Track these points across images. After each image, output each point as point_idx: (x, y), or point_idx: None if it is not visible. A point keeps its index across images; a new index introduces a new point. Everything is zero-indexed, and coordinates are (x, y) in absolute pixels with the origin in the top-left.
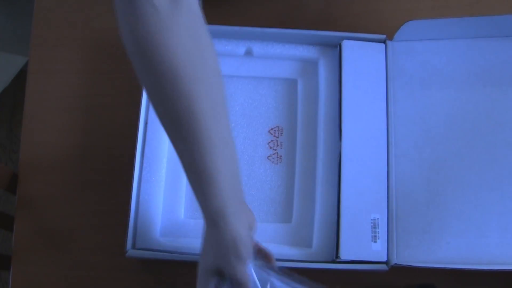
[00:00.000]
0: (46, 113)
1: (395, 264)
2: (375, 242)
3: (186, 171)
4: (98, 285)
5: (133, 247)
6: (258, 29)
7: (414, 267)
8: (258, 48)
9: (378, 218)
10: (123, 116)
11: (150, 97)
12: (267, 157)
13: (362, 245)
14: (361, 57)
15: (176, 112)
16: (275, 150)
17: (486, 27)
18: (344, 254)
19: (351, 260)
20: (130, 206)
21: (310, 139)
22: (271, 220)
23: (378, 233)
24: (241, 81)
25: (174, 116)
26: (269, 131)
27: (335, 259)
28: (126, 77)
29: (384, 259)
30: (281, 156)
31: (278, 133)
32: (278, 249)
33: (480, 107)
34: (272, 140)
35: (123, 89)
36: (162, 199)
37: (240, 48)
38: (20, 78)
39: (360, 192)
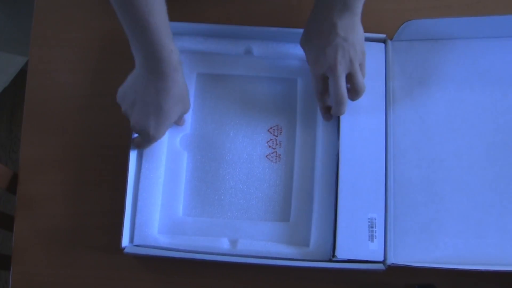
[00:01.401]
0: (46, 113)
1: (392, 263)
2: (372, 241)
3: (128, 24)
4: (98, 284)
5: (131, 243)
6: (257, 28)
7: (411, 267)
8: (257, 47)
9: (375, 218)
10: (123, 116)
11: None
12: (266, 156)
13: (359, 244)
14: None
15: None
16: (274, 149)
17: (486, 27)
18: (340, 253)
19: (348, 259)
20: (125, 203)
21: (309, 138)
22: (269, 218)
23: (375, 232)
24: (241, 80)
25: None
26: (268, 130)
27: (332, 258)
28: (126, 77)
29: (381, 258)
30: (280, 155)
31: (277, 132)
32: (276, 248)
33: (479, 107)
34: (271, 139)
35: None
36: (161, 196)
37: (239, 47)
38: (20, 78)
39: (357, 191)
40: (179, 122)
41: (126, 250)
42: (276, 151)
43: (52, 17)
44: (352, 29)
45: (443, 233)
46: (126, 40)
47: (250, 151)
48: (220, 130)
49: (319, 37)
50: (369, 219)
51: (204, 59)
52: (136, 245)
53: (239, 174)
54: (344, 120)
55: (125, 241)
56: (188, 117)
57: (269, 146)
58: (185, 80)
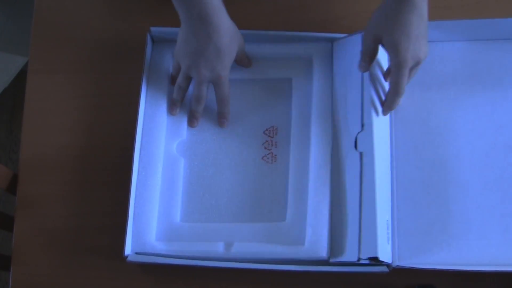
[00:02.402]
0: (46, 113)
1: (397, 265)
2: (388, 243)
3: None
4: (98, 285)
5: (130, 251)
6: (251, 32)
7: (414, 269)
8: (251, 49)
9: (388, 220)
10: (122, 116)
11: None
12: (262, 158)
13: (380, 246)
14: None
15: None
16: (269, 150)
17: (486, 29)
18: (364, 254)
19: (370, 260)
20: (128, 211)
21: (304, 138)
22: (265, 219)
23: (389, 234)
24: (235, 83)
25: None
26: (264, 132)
27: (357, 260)
28: (126, 77)
29: (394, 261)
30: (275, 155)
31: (273, 133)
32: (272, 248)
33: (480, 109)
34: (266, 141)
35: (123, 89)
36: (158, 203)
37: None
38: (20, 78)
39: (376, 194)
40: (243, 61)
41: (129, 259)
42: (271, 152)
43: (52, 17)
44: (427, 18)
45: (446, 235)
46: (126, 40)
47: (246, 155)
48: (216, 134)
49: (409, 26)
50: (386, 220)
51: None
52: (137, 253)
53: (236, 177)
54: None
55: (127, 250)
56: (184, 123)
57: (265, 148)
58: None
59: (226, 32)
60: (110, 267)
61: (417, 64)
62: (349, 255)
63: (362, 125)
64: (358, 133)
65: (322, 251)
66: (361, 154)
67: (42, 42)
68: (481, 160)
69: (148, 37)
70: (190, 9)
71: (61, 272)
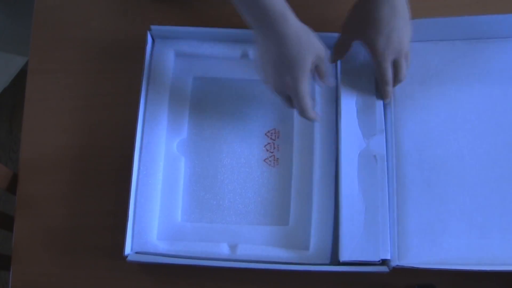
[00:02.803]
0: (46, 113)
1: (397, 265)
2: (385, 243)
3: None
4: (98, 285)
5: (131, 250)
6: (251, 31)
7: (414, 269)
8: (254, 50)
9: (385, 219)
10: (123, 116)
11: None
12: (264, 160)
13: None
14: (359, 57)
15: None
16: (272, 152)
17: (485, 27)
18: (381, 255)
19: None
20: (128, 211)
21: (307, 142)
22: (268, 222)
23: (386, 234)
24: (238, 84)
25: None
26: (265, 134)
27: (379, 260)
28: (126, 77)
29: (394, 261)
30: (278, 158)
31: (275, 136)
32: (275, 252)
33: (480, 107)
34: (269, 143)
35: (123, 89)
36: (159, 202)
37: (236, 51)
38: (20, 78)
39: (368, 195)
40: (320, 75)
41: (129, 258)
42: (274, 155)
43: (52, 17)
44: (404, 8)
45: (447, 234)
46: (126, 39)
47: (247, 155)
48: (217, 134)
49: (380, 22)
50: (384, 221)
51: (201, 63)
52: (137, 252)
53: (237, 178)
54: (344, 122)
55: (127, 249)
56: (185, 122)
57: (267, 150)
58: (302, 26)
59: (293, 39)
60: (111, 267)
61: (399, 54)
62: (368, 255)
63: (336, 131)
64: (373, 136)
65: (327, 257)
66: (375, 157)
67: (42, 42)
68: (482, 159)
69: (148, 36)
70: (252, 17)
71: (61, 271)
